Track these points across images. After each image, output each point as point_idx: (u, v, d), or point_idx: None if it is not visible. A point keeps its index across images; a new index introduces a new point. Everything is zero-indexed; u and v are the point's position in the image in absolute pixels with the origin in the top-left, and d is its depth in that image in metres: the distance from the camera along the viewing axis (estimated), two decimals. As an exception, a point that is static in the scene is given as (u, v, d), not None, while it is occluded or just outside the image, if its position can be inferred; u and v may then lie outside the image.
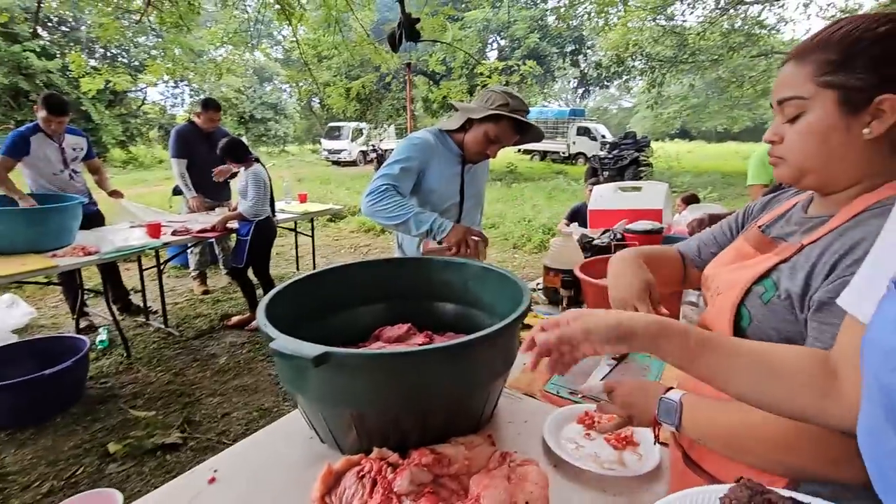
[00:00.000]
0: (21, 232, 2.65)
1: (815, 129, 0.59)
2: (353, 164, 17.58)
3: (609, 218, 2.44)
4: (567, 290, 1.64)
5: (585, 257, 1.80)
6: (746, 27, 11.88)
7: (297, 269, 5.14)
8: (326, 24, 5.32)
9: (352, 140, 17.71)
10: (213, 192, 4.03)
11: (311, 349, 0.76)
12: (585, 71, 19.59)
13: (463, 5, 15.37)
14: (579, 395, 1.12)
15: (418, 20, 3.78)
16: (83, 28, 14.37)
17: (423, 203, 1.72)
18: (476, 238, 1.55)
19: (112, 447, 2.14)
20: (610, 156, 12.80)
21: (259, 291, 3.54)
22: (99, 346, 3.14)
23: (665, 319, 0.58)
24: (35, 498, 1.89)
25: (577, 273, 1.57)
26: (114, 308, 3.39)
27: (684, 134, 35.05)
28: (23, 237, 2.66)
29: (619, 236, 2.00)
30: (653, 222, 2.05)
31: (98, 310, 3.70)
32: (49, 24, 14.77)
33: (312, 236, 5.08)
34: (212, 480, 0.87)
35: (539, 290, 1.87)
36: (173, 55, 7.72)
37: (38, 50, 13.19)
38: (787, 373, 0.52)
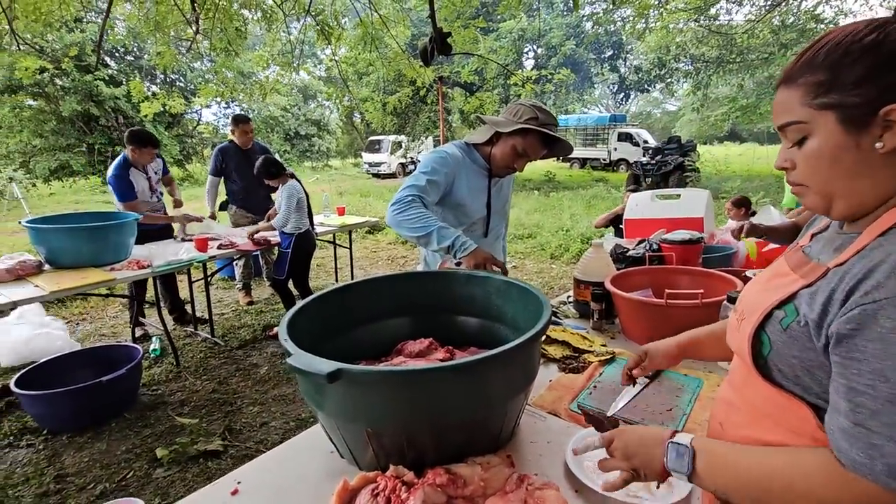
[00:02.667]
0: (84, 248, 2.87)
1: (824, 151, 0.55)
2: (392, 176, 17.94)
3: (646, 227, 2.35)
4: (598, 303, 1.58)
5: (618, 269, 1.74)
6: (800, 23, 11.24)
7: (336, 280, 5.26)
8: (363, 42, 5.46)
9: (391, 153, 18.10)
10: (254, 207, 4.21)
11: (325, 365, 0.77)
12: (625, 76, 19.15)
13: (499, 17, 15.45)
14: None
15: (450, 34, 3.82)
16: (145, 56, 15.54)
17: (450, 216, 1.70)
18: (497, 269, 1.43)
19: (160, 452, 2.25)
20: (653, 161, 12.42)
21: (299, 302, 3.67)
22: (152, 355, 3.33)
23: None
24: (89, 499, 2.02)
25: (608, 286, 1.52)
26: (168, 318, 3.59)
27: (734, 136, 33.43)
28: (86, 252, 2.87)
29: (655, 247, 1.92)
30: (692, 232, 1.95)
31: (152, 320, 3.93)
32: (116, 54, 16.10)
33: (350, 248, 5.19)
34: (235, 492, 0.89)
35: (570, 303, 1.82)
36: (224, 77, 8.16)
37: (106, 78, 14.38)
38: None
